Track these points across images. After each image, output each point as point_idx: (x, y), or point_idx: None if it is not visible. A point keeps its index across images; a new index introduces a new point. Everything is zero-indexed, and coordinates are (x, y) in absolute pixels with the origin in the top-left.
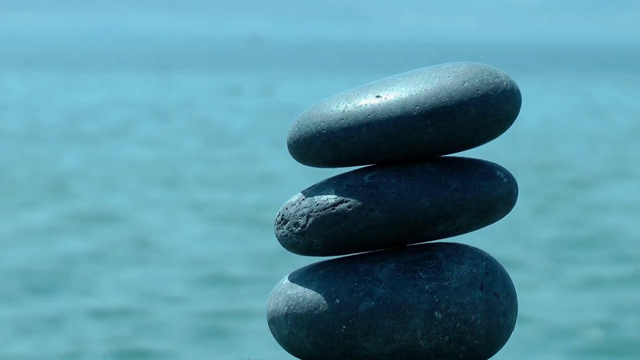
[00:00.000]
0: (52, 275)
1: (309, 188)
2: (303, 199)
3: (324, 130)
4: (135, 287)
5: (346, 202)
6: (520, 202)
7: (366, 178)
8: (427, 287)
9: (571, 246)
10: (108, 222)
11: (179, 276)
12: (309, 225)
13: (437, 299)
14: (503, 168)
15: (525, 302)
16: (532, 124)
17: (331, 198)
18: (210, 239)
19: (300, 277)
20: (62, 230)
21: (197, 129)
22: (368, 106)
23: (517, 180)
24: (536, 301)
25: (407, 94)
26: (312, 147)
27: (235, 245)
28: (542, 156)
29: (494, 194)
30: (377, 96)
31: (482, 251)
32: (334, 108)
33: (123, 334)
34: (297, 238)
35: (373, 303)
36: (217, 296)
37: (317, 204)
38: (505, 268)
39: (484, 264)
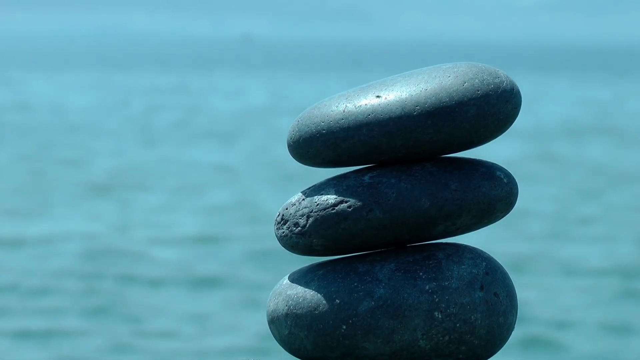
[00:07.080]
0: None
1: (309, 188)
2: (303, 199)
3: (324, 130)
4: None
5: (346, 202)
6: None
7: (366, 178)
8: (427, 287)
9: None
10: None
11: None
12: (309, 226)
13: (437, 299)
14: (503, 168)
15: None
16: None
17: (331, 198)
18: None
19: (300, 277)
20: None
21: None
22: (368, 106)
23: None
24: None
25: (407, 94)
26: (312, 147)
27: None
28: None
29: (493, 194)
30: (377, 96)
31: (482, 251)
32: (334, 108)
33: None
34: (297, 238)
35: (373, 303)
36: None
37: (317, 204)
38: None
39: (484, 264)
